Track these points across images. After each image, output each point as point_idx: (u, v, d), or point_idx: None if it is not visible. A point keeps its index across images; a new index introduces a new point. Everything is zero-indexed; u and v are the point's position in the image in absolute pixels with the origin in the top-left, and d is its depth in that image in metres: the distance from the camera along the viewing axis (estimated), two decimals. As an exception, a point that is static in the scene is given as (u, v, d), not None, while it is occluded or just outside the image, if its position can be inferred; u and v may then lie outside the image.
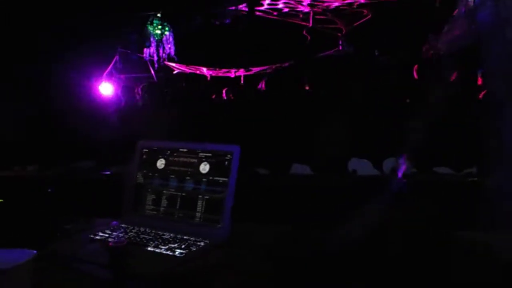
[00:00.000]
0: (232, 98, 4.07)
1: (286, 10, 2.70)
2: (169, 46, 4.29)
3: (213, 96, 4.26)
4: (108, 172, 3.41)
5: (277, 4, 2.62)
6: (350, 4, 2.50)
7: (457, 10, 1.55)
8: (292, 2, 2.55)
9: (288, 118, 3.49)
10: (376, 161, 3.23)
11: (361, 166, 3.22)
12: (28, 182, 3.05)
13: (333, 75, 3.31)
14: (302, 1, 2.66)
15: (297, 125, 3.43)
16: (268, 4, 2.59)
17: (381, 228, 1.47)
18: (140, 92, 4.63)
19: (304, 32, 2.77)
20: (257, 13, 2.83)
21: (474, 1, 1.49)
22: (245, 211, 1.63)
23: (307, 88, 3.56)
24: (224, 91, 4.21)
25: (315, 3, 2.62)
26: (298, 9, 2.74)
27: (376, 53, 3.58)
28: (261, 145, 3.16)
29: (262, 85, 3.68)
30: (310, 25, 2.67)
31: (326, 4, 2.61)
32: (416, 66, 3.10)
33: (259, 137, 3.26)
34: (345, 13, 2.65)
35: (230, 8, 2.77)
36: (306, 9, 2.67)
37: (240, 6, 2.75)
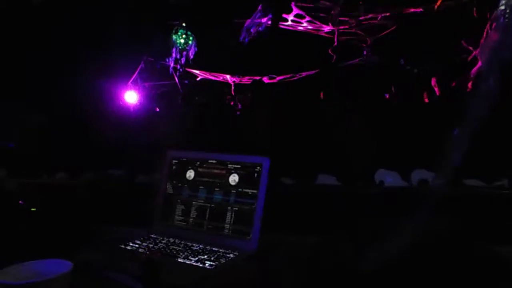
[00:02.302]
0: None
1: (310, 27, 2.71)
2: (190, 52, 4.32)
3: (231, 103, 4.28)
4: (135, 181, 3.44)
5: (301, 23, 2.63)
6: (374, 18, 2.49)
7: (494, 21, 1.53)
8: (316, 22, 2.55)
9: (313, 127, 3.47)
10: (404, 173, 3.17)
11: (388, 177, 3.17)
12: (58, 190, 3.10)
13: (359, 84, 3.28)
14: (323, 28, 2.67)
15: (323, 135, 3.40)
16: (292, 21, 2.60)
17: (416, 244, 1.45)
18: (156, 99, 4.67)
19: (329, 51, 2.78)
20: (282, 26, 2.84)
21: (510, 11, 1.46)
22: (272, 221, 1.63)
23: (332, 97, 3.54)
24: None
25: (339, 28, 2.63)
26: (322, 29, 2.75)
27: (402, 62, 3.54)
28: (286, 155, 3.15)
29: None
30: (336, 43, 2.67)
31: (349, 29, 2.62)
32: (434, 78, 3.06)
33: (283, 146, 3.25)
34: (369, 26, 2.65)
35: (256, 20, 2.79)
36: (331, 28, 2.67)
37: (264, 19, 2.77)
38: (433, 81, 3.05)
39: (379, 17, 2.53)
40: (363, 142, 3.35)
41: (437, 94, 2.87)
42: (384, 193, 2.97)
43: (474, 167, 2.90)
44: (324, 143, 3.43)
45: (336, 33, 2.58)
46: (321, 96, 3.62)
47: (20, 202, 2.08)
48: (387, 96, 3.12)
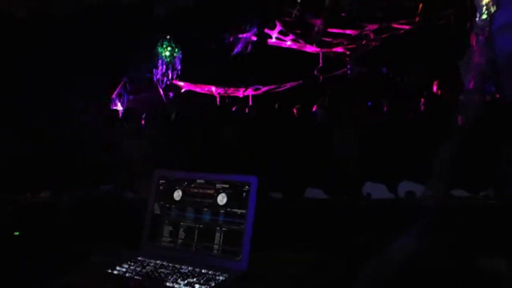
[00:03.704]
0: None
1: (294, 46, 2.74)
2: (176, 65, 4.32)
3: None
4: (123, 197, 3.40)
5: (286, 41, 2.66)
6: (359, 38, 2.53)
7: (474, 38, 1.54)
8: (300, 41, 2.58)
9: (300, 141, 3.47)
10: (391, 185, 3.20)
11: (376, 190, 3.19)
12: (41, 209, 3.04)
13: (344, 96, 3.30)
14: (306, 49, 2.70)
15: (310, 148, 3.41)
16: (277, 38, 2.62)
17: (407, 259, 1.45)
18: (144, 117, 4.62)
19: (315, 72, 2.82)
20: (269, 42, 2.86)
21: (490, 29, 1.48)
22: (261, 238, 1.61)
23: (318, 109, 3.55)
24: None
25: (323, 49, 2.66)
26: (305, 49, 2.78)
27: (384, 71, 3.57)
28: (274, 170, 3.14)
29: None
30: (320, 65, 2.71)
31: (333, 49, 2.65)
32: (436, 82, 3.06)
33: (271, 161, 3.25)
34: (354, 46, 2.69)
35: (241, 35, 2.80)
36: (315, 49, 2.70)
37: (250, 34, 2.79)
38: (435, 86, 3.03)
39: (372, 44, 2.56)
40: (350, 155, 3.35)
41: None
42: (372, 205, 2.99)
43: (461, 177, 2.93)
44: (312, 157, 3.43)
45: (320, 55, 2.60)
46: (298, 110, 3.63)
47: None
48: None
